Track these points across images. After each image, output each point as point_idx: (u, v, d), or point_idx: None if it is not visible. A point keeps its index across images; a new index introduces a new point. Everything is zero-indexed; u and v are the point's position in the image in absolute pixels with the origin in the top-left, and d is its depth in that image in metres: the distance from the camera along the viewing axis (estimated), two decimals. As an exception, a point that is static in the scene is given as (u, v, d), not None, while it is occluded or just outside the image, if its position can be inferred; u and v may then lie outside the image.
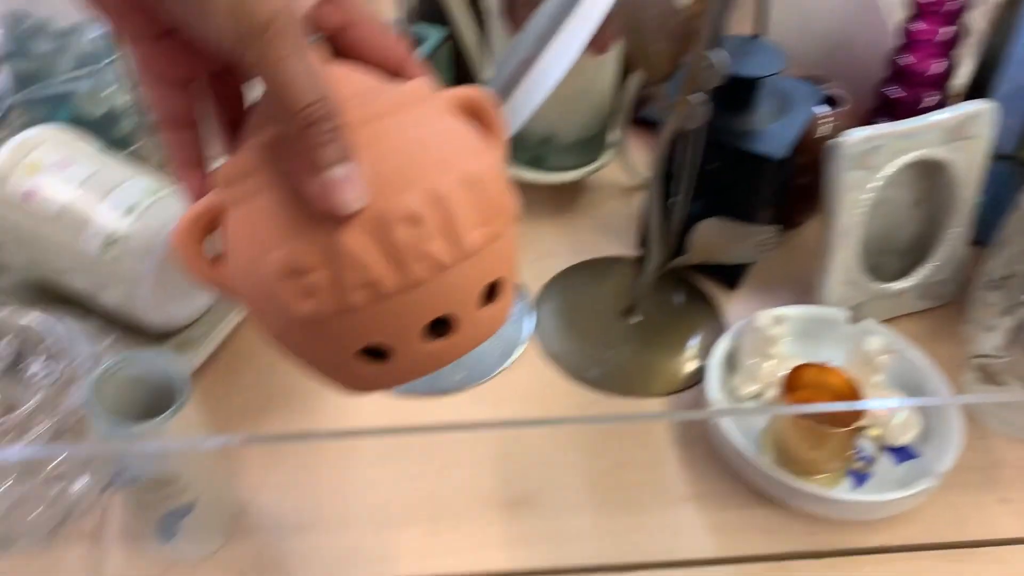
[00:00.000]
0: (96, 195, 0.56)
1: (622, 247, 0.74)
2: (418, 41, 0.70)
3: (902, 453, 0.56)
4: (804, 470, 0.53)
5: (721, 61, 0.50)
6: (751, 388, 0.59)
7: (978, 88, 0.69)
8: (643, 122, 0.81)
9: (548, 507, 0.55)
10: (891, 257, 0.67)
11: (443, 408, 0.61)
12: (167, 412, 0.43)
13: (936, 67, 0.71)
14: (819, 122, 0.68)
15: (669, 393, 0.62)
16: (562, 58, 0.50)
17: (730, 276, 0.69)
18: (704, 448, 0.58)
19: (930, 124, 0.60)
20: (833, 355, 0.60)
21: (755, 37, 0.64)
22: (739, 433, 0.54)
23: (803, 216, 0.74)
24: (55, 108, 0.72)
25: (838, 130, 0.64)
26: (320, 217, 0.30)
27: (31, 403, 0.49)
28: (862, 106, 0.75)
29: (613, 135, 0.77)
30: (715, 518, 0.54)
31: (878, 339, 0.58)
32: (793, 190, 0.70)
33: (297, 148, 0.30)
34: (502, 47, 0.69)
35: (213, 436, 0.51)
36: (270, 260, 0.31)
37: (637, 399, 0.62)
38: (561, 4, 0.49)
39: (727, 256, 0.58)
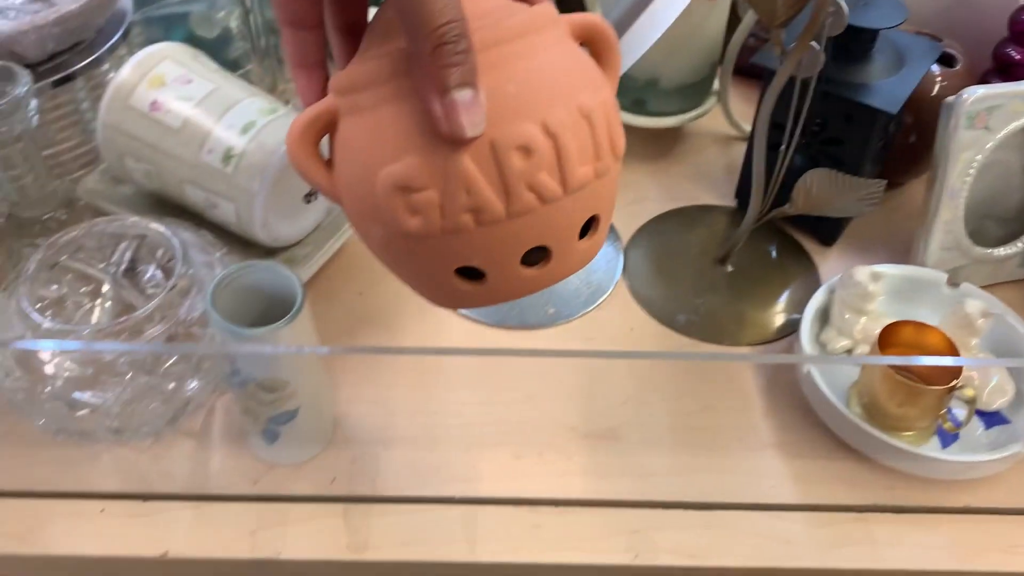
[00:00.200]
0: (215, 112, 0.58)
1: (717, 197, 0.74)
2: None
3: (993, 418, 0.56)
4: (892, 426, 0.53)
5: (845, 8, 0.49)
6: (843, 343, 0.59)
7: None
8: (747, 72, 0.80)
9: (630, 442, 0.56)
10: (993, 222, 0.66)
11: (532, 341, 0.63)
12: (284, 318, 0.46)
13: (1060, 29, 0.69)
14: (934, 80, 0.66)
15: (758, 343, 0.62)
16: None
17: (828, 231, 0.69)
18: (791, 397, 0.58)
19: (1052, 87, 0.59)
20: (927, 317, 0.59)
21: (875, -12, 0.63)
22: (827, 386, 0.55)
23: (905, 176, 0.72)
24: (171, 28, 0.74)
25: (951, 90, 0.63)
26: (437, 137, 0.31)
27: (149, 306, 0.51)
28: (977, 66, 0.72)
29: (716, 83, 0.76)
30: (797, 466, 0.55)
31: (977, 302, 0.58)
32: (897, 148, 0.69)
33: (425, 66, 0.30)
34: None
35: (321, 346, 0.54)
36: (384, 173, 0.32)
37: (726, 347, 0.62)
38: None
39: (831, 209, 0.58)
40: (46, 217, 0.62)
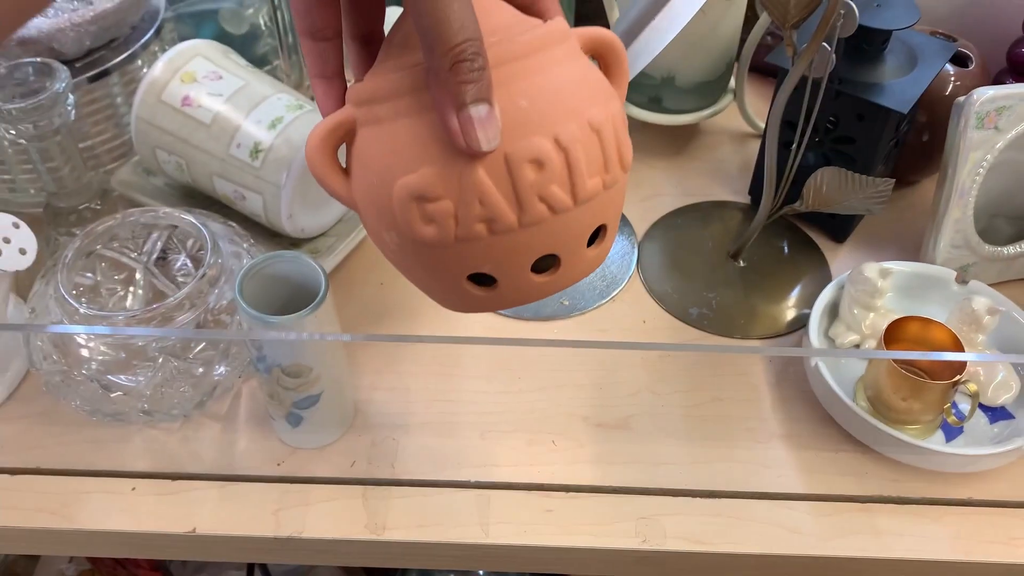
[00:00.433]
0: (244, 108, 0.60)
1: (731, 193, 0.75)
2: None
3: (997, 413, 0.57)
4: (897, 419, 0.55)
5: (856, 10, 0.50)
6: (851, 338, 0.60)
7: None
8: (761, 70, 0.81)
9: (641, 432, 0.58)
10: (1003, 220, 0.66)
11: (547, 332, 0.65)
12: (309, 307, 0.48)
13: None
14: (948, 80, 0.67)
15: (769, 337, 0.64)
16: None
17: (839, 228, 0.70)
18: (799, 390, 0.59)
19: (1063, 88, 0.59)
20: (936, 314, 0.60)
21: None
22: (834, 379, 0.56)
23: (918, 174, 0.73)
24: (201, 24, 0.76)
25: (964, 89, 0.64)
26: (452, 150, 0.32)
27: (180, 294, 0.53)
28: (992, 67, 0.73)
29: (733, 80, 0.77)
30: (803, 457, 0.56)
31: (984, 299, 0.59)
32: (910, 147, 0.69)
33: (443, 82, 0.31)
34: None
35: (344, 333, 0.56)
36: (401, 183, 0.33)
37: (737, 341, 0.64)
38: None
39: (840, 207, 0.59)
40: (81, 207, 0.64)
